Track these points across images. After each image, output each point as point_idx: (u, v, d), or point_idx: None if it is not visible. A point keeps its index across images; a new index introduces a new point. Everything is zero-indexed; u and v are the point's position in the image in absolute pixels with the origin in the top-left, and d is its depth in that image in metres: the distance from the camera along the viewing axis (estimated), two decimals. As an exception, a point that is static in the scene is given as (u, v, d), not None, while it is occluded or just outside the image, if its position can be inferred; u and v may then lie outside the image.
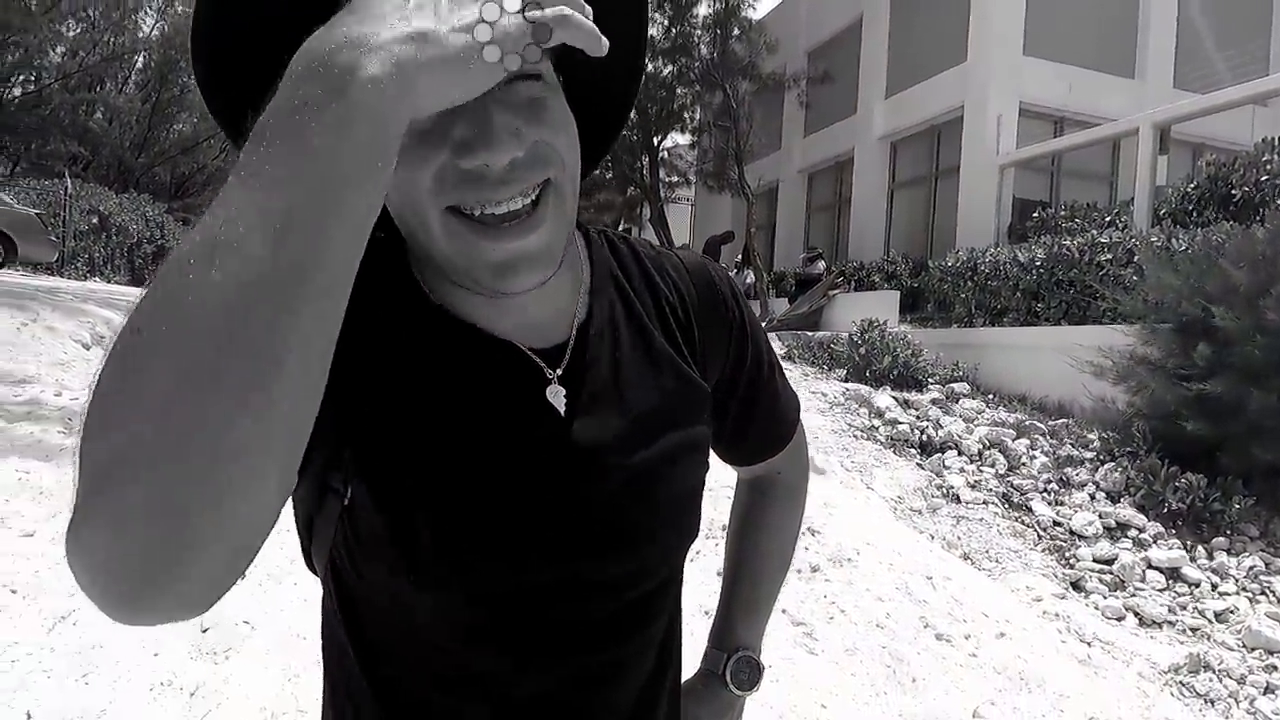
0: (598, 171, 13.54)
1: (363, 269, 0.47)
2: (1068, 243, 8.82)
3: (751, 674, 0.94)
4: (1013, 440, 6.83)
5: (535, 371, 0.66)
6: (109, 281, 16.22)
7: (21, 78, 29.00)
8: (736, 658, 0.93)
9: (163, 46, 30.34)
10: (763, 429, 0.89)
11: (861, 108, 16.04)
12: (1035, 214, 11.86)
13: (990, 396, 8.44)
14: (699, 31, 16.65)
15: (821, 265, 14.11)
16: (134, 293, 10.57)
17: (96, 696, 2.18)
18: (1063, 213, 11.36)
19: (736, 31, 15.97)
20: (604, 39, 0.47)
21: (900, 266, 13.23)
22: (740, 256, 16.23)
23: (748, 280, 15.69)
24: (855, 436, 6.71)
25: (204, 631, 2.57)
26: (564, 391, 0.66)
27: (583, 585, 0.67)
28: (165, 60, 30.35)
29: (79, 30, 28.74)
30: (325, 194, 0.39)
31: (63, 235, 14.99)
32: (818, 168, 18.06)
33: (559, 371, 0.66)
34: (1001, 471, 6.36)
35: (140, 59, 31.26)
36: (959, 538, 5.04)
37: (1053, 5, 12.99)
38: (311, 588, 2.95)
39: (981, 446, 6.77)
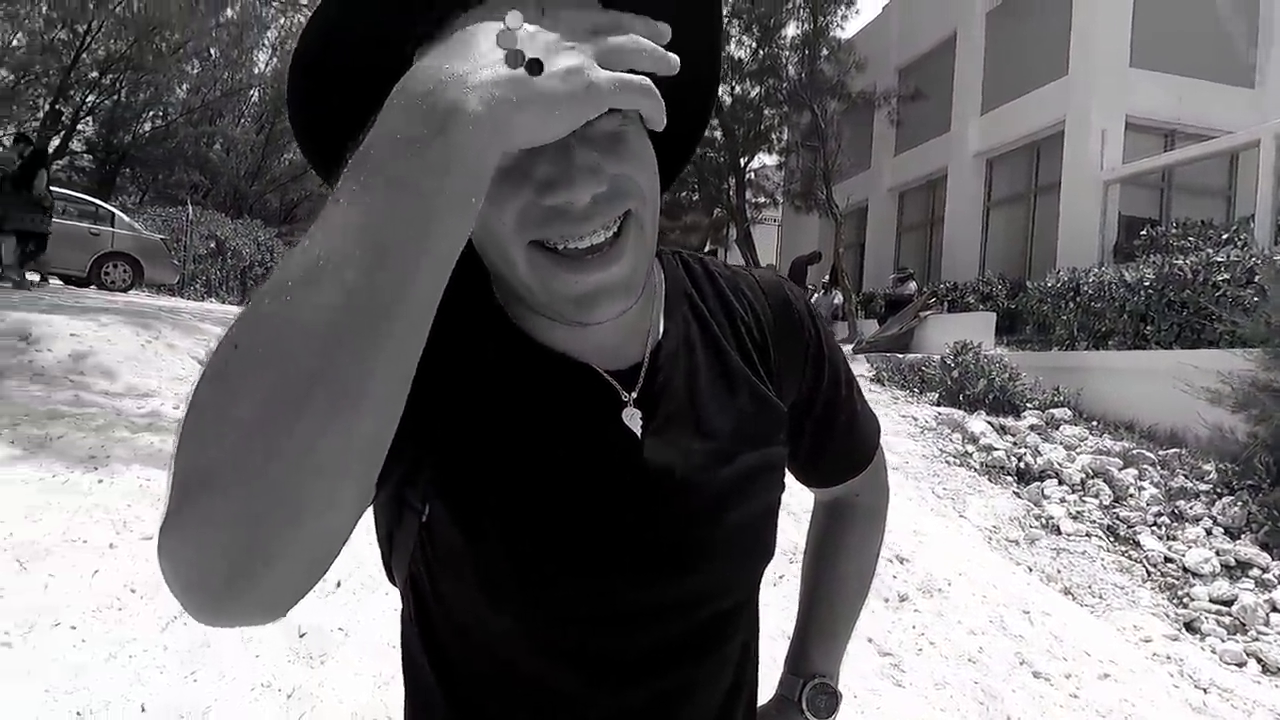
0: (684, 193, 13.72)
1: (448, 292, 0.50)
2: (1180, 262, 8.34)
3: (829, 702, 0.91)
4: (1119, 470, 6.48)
5: (611, 394, 0.67)
6: (224, 302, 17.26)
7: (151, 113, 31.36)
8: (813, 684, 0.91)
9: (275, 81, 32.29)
10: (841, 450, 0.88)
11: (955, 124, 15.65)
12: (1143, 232, 11.28)
13: (1094, 423, 8.03)
14: (787, 52, 16.61)
15: (912, 286, 13.76)
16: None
17: (203, 693, 2.30)
18: (1174, 230, 10.76)
19: (825, 51, 15.86)
20: (673, 57, 0.48)
21: (996, 287, 12.77)
22: (827, 277, 16.00)
23: (835, 301, 15.44)
24: (947, 463, 6.49)
25: (301, 636, 2.68)
26: (639, 414, 0.67)
27: (658, 605, 0.68)
28: (278, 94, 32.25)
29: (201, 69, 30.85)
30: (421, 228, 0.41)
31: (184, 259, 16.04)
32: (909, 186, 17.68)
33: (634, 394, 0.67)
34: (1106, 503, 6.04)
35: (255, 93, 33.30)
36: (1059, 571, 4.80)
37: (1162, 15, 12.41)
38: (398, 598, 3.05)
39: (1084, 476, 6.44)
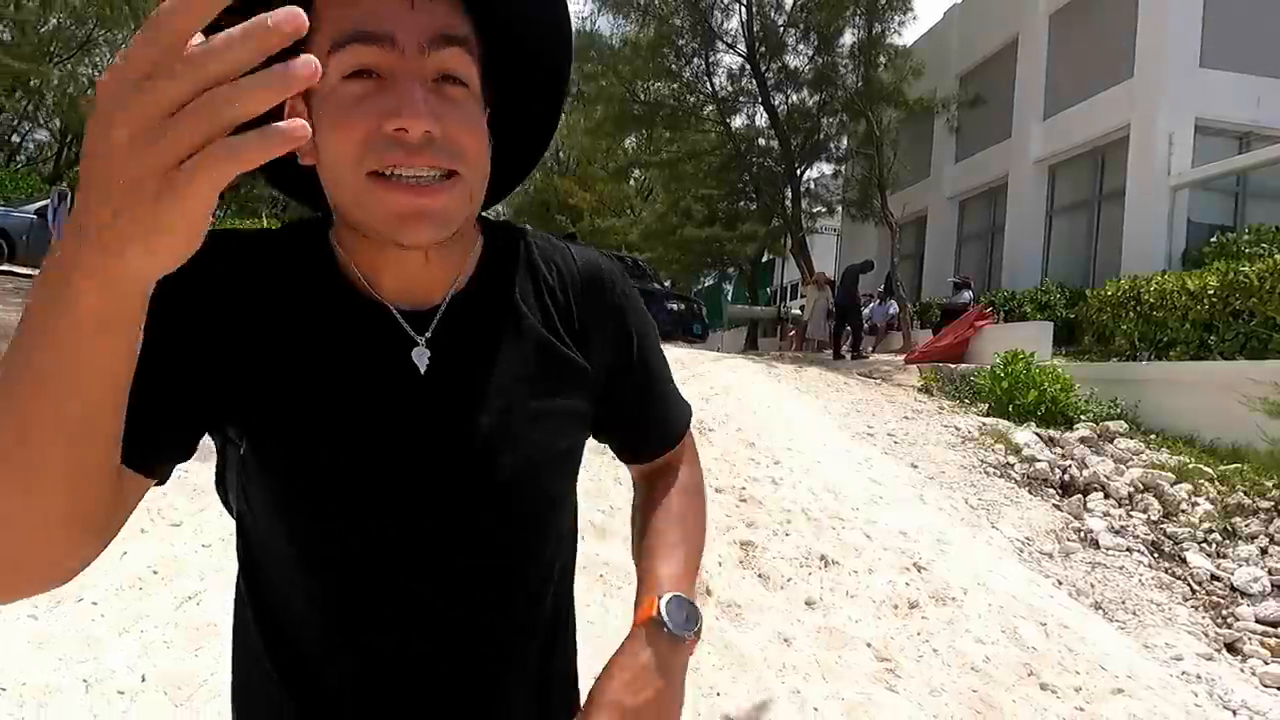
0: (741, 203, 13.62)
1: (284, 247, 0.71)
2: (1246, 269, 7.97)
3: (691, 612, 0.79)
4: (1171, 485, 6.22)
5: (403, 334, 0.72)
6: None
7: (234, 131, 32.93)
8: (668, 599, 0.79)
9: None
10: (655, 418, 0.91)
11: (1016, 131, 15.25)
12: (1213, 238, 10.79)
13: (1152, 436, 7.73)
14: (843, 60, 16.48)
15: (968, 294, 13.45)
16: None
17: (202, 667, 2.45)
18: (1246, 236, 10.27)
19: (882, 59, 15.68)
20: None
21: (1054, 296, 12.38)
22: (882, 286, 15.75)
23: (890, 311, 15.19)
24: (986, 473, 6.33)
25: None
26: (428, 354, 0.72)
27: (441, 536, 0.73)
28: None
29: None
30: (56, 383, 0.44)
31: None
32: (969, 194, 17.28)
33: (426, 335, 0.72)
34: (1154, 518, 5.81)
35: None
36: (1091, 585, 4.65)
37: (1235, 12, 11.88)
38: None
39: (1133, 490, 6.21)
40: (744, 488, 5.01)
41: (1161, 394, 8.21)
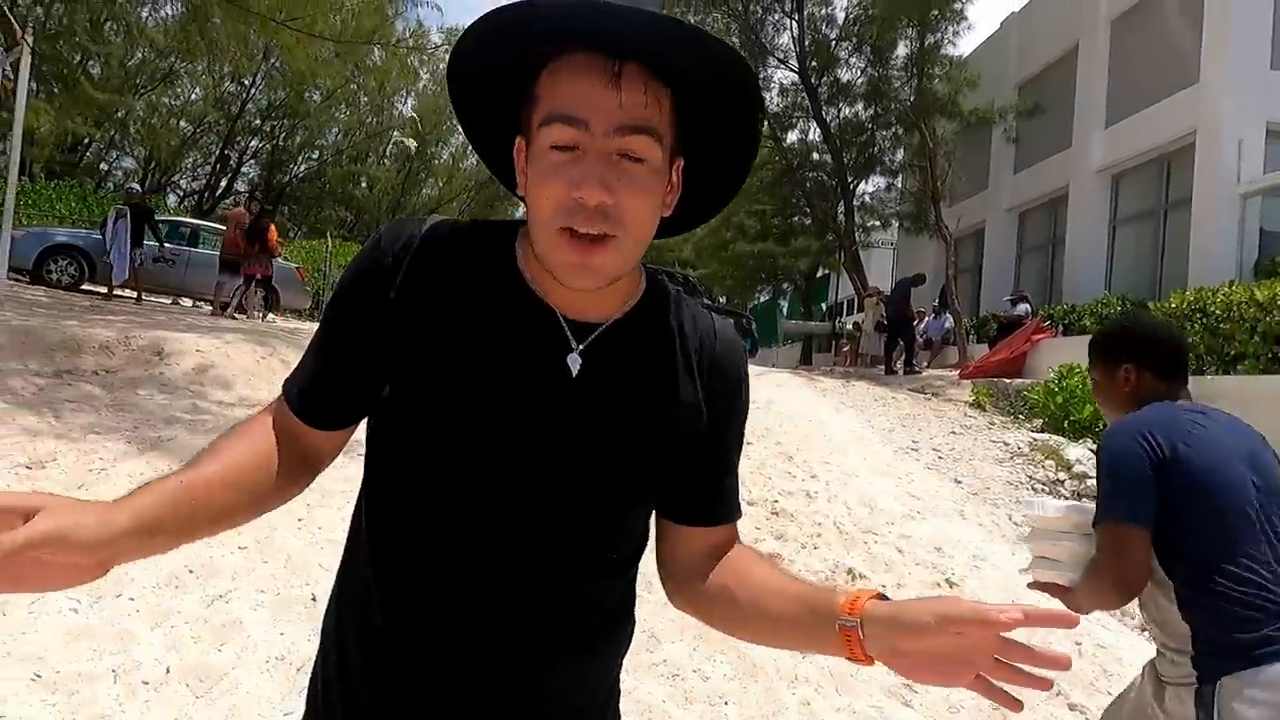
0: (795, 218, 13.62)
1: (477, 242, 0.87)
2: (1318, 279, 7.59)
3: None
4: (1233, 503, 5.95)
5: (564, 339, 0.84)
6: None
7: (305, 155, 34.22)
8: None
9: (415, 123, 34.50)
10: (728, 489, 0.97)
11: (1077, 140, 14.82)
12: (1288, 247, 10.31)
13: (1217, 454, 7.39)
14: (897, 73, 16.31)
15: (1024, 307, 13.09)
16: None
17: (224, 662, 2.56)
18: (1323, 245, 9.78)
19: (937, 70, 15.47)
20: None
21: (1116, 309, 11.96)
22: (937, 300, 15.45)
23: (946, 325, 14.89)
24: (1034, 489, 6.16)
25: (326, 619, 2.92)
26: (581, 361, 0.84)
27: (548, 517, 0.83)
28: (416, 134, 34.46)
29: (349, 114, 33.38)
30: None
31: (320, 287, 17.36)
32: (1029, 205, 16.84)
33: (583, 345, 0.84)
34: (1213, 538, 5.56)
35: (396, 134, 35.62)
36: (1138, 605, 4.47)
37: (1310, 11, 11.38)
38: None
39: (1191, 508, 5.96)
40: (777, 500, 4.99)
41: (1229, 409, 7.82)
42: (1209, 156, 11.64)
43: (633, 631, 0.98)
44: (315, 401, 0.86)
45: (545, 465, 0.83)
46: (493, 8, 0.77)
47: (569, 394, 0.82)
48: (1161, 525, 1.65)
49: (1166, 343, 1.92)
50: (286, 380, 0.88)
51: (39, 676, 2.36)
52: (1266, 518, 1.67)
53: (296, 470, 0.87)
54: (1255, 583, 1.60)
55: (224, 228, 12.94)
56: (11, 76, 7.38)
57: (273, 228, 11.91)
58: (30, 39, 7.40)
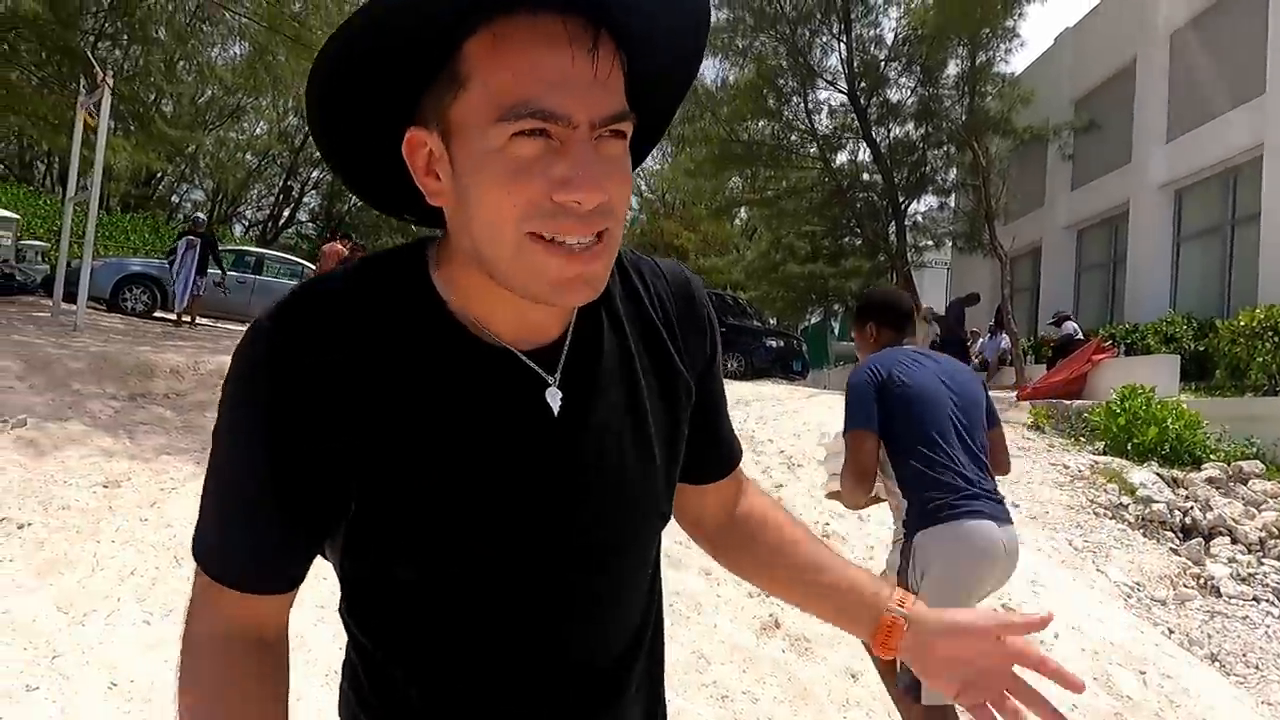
0: (846, 238, 13.49)
1: (382, 295, 0.68)
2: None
3: None
4: (1311, 530, 5.70)
5: (532, 376, 0.71)
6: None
7: (363, 186, 35.23)
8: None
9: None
10: (726, 438, 0.93)
11: (1137, 155, 14.46)
12: (1365, 262, 9.88)
13: (1293, 479, 7.08)
14: (948, 92, 16.16)
15: (1071, 326, 12.76)
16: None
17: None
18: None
19: (990, 89, 15.28)
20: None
21: (1181, 328, 11.57)
22: (993, 321, 15.14)
23: (1002, 345, 14.58)
24: (1095, 514, 5.99)
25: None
26: (560, 394, 0.71)
27: (573, 564, 0.74)
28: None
29: (404, 143, 34.28)
30: None
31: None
32: (1087, 223, 16.45)
33: (557, 375, 0.72)
34: (1290, 566, 5.33)
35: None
36: (1208, 636, 4.31)
37: (1382, 19, 10.97)
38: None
39: (1265, 535, 5.73)
40: (828, 524, 4.94)
41: (1304, 432, 7.54)
42: (1278, 170, 11.25)
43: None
44: (280, 564, 0.70)
45: (567, 517, 0.73)
46: None
47: (558, 432, 0.71)
48: (884, 428, 2.32)
49: (896, 306, 2.67)
50: (224, 570, 0.69)
51: (115, 685, 2.48)
52: (958, 421, 2.34)
53: (284, 652, 0.75)
54: (946, 466, 2.25)
55: (289, 256, 13.44)
56: (95, 116, 7.82)
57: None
58: (111, 81, 7.83)
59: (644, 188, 36.30)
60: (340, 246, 12.72)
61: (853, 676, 3.15)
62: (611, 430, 0.75)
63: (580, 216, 0.61)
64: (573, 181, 0.60)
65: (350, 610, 0.77)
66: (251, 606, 0.70)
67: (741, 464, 0.98)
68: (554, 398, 0.71)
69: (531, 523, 0.71)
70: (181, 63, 21.81)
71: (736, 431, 0.97)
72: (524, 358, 0.70)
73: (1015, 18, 14.77)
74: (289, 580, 0.70)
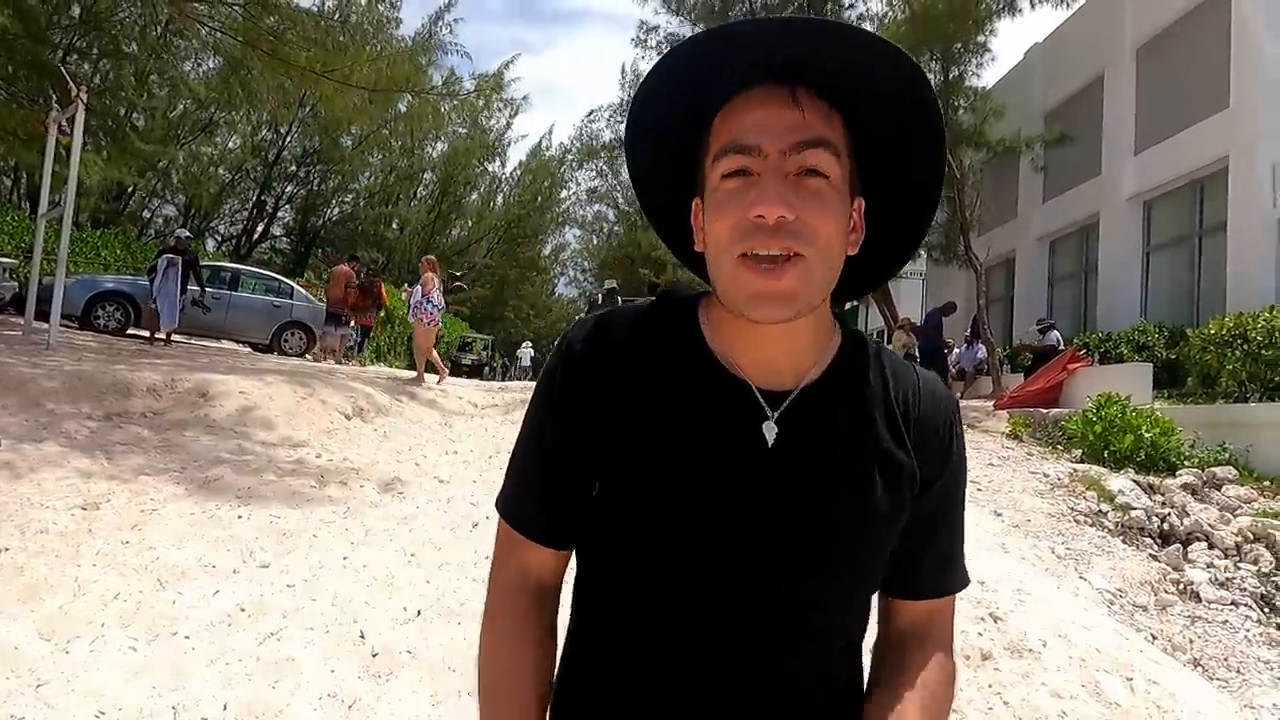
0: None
1: (659, 323, 0.85)
2: (1362, 302, 7.46)
3: None
4: (1285, 534, 5.80)
5: (758, 408, 0.80)
6: (390, 365, 18.81)
7: (338, 199, 35.02)
8: None
9: (444, 165, 35.20)
10: (940, 554, 0.90)
11: (1107, 167, 14.76)
12: (1329, 272, 10.13)
13: (1266, 483, 7.23)
14: (921, 105, 16.36)
15: (1055, 335, 12.95)
16: (401, 374, 12.21)
17: (278, 698, 2.61)
18: (1366, 268, 9.60)
19: (962, 102, 15.53)
20: None
21: (1153, 336, 11.79)
22: (969, 330, 15.32)
23: (979, 355, 14.75)
24: (1076, 521, 6.06)
25: (374, 656, 2.96)
26: (776, 430, 0.79)
27: (757, 595, 0.78)
28: (446, 176, 35.15)
29: (380, 158, 34.16)
30: None
31: (355, 327, 17.65)
32: (1059, 234, 16.73)
33: (777, 413, 0.80)
34: (1266, 569, 5.44)
35: (426, 176, 36.35)
36: (1190, 641, 4.38)
37: (1340, 34, 11.29)
38: (471, 628, 3.27)
39: (1241, 540, 5.83)
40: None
41: (1275, 438, 7.70)
42: (1243, 181, 11.53)
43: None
44: (559, 521, 0.85)
45: (760, 545, 0.78)
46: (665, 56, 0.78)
47: (768, 464, 0.78)
48: None
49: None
50: (514, 517, 0.87)
51: (102, 713, 2.43)
52: None
53: (555, 608, 0.90)
54: None
55: (265, 271, 13.30)
56: (68, 132, 7.71)
57: (381, 284, 13.56)
58: (84, 96, 7.74)
59: (620, 200, 36.41)
60: (348, 268, 13.28)
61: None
62: (827, 476, 0.80)
63: (768, 232, 0.71)
64: (759, 200, 0.71)
65: (576, 585, 0.89)
66: (535, 559, 0.86)
67: (954, 611, 0.93)
68: (769, 431, 0.79)
69: (726, 537, 0.78)
70: (154, 76, 21.59)
71: None
72: (756, 391, 0.81)
73: (986, 33, 15.04)
74: (557, 536, 0.86)
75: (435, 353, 10.78)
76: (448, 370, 11.24)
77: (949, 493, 0.88)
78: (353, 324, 13.45)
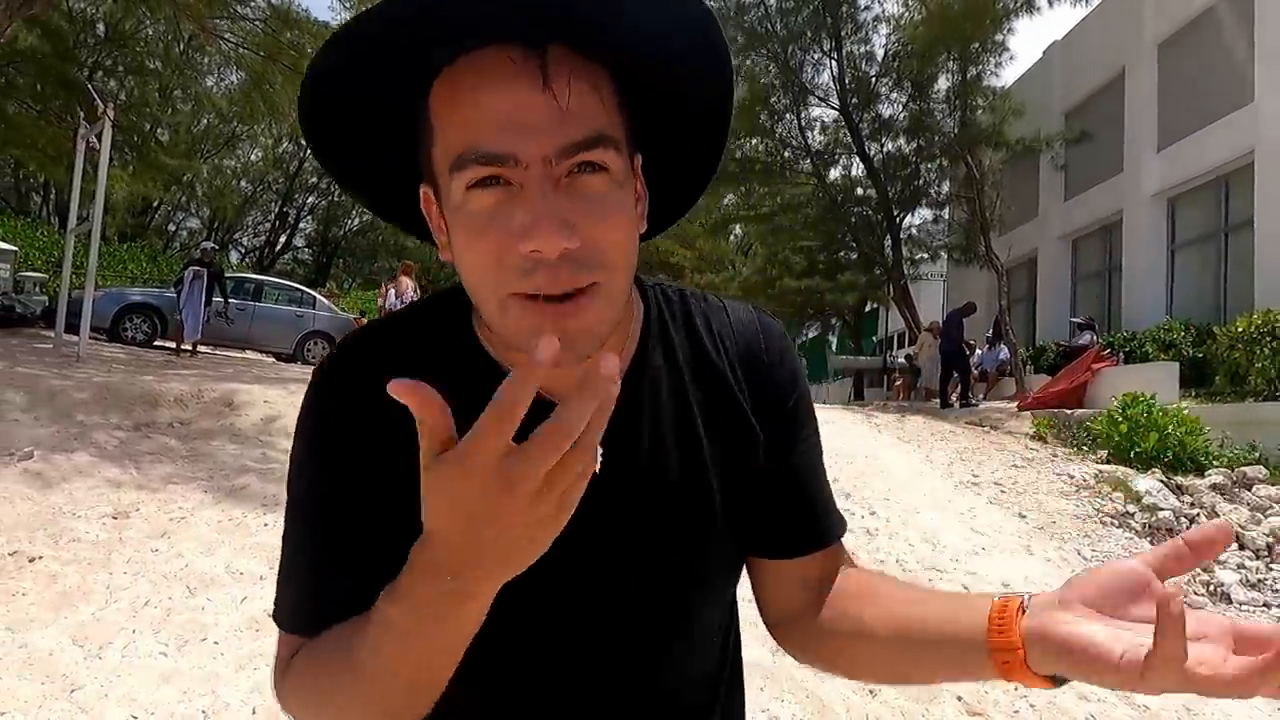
0: (841, 253, 13.59)
1: (430, 334, 0.68)
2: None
3: None
4: (1318, 534, 5.70)
5: None
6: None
7: (358, 210, 35.38)
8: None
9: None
10: (812, 508, 0.79)
11: (1129, 165, 14.59)
12: (1360, 266, 9.95)
13: (1298, 483, 7.10)
14: (939, 106, 16.32)
15: (1089, 336, 12.80)
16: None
17: None
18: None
19: (980, 102, 15.44)
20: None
21: (1179, 335, 11.63)
22: (991, 331, 15.20)
23: (1001, 356, 14.62)
24: (1102, 523, 5.99)
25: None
26: (601, 450, 0.64)
27: (620, 621, 0.70)
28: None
29: (399, 167, 34.43)
30: (443, 655, 0.55)
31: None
32: (1081, 232, 16.55)
33: None
34: (1299, 570, 5.34)
35: (445, 186, 36.63)
36: (1221, 643, 4.31)
37: (1367, 24, 11.11)
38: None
39: (1273, 540, 5.73)
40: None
41: (1305, 436, 7.57)
42: (1270, 176, 11.36)
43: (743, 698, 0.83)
44: (326, 611, 0.64)
45: (611, 574, 0.68)
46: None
47: (600, 489, 0.60)
48: None
49: None
50: (280, 609, 0.68)
51: (135, 718, 2.47)
52: None
53: None
54: None
55: (288, 282, 13.48)
56: (97, 148, 7.88)
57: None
58: (111, 112, 7.90)
59: (639, 206, 36.42)
60: (409, 279, 12.93)
61: (871, 692, 3.15)
62: (665, 485, 0.69)
63: (549, 267, 0.55)
64: (531, 229, 0.54)
65: None
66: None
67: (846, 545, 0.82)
68: (595, 454, 0.66)
69: (558, 570, 0.61)
70: (177, 92, 22.00)
71: None
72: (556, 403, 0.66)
73: (1004, 32, 14.96)
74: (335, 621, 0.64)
75: None
76: None
77: (799, 430, 0.77)
78: None
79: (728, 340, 0.76)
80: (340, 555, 0.64)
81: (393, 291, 11.25)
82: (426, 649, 0.54)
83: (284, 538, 0.68)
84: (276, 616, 0.68)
